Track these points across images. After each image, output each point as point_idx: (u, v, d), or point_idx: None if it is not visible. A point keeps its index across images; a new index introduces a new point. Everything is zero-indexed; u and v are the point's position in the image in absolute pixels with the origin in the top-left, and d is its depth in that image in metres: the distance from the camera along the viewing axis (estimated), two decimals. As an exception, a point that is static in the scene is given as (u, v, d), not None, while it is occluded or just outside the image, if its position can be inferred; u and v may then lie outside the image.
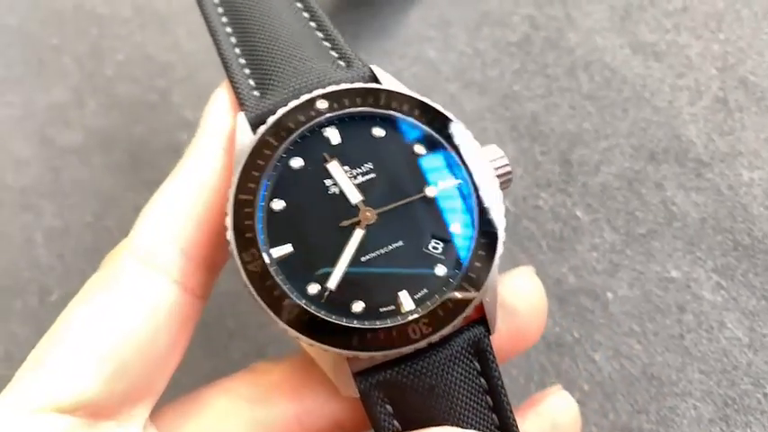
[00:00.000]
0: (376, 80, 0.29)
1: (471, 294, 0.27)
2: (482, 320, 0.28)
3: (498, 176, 0.28)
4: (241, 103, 0.29)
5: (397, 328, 0.26)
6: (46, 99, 0.51)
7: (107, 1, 0.54)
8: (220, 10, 0.33)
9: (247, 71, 0.30)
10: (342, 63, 0.30)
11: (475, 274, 0.27)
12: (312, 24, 0.32)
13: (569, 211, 0.42)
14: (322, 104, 0.28)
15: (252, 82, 0.30)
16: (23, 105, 0.51)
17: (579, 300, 0.40)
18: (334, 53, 0.31)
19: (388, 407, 0.27)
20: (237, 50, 0.31)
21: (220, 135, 0.29)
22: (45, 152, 0.49)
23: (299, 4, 0.33)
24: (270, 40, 0.31)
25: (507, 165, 0.29)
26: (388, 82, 0.29)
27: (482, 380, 0.28)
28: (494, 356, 0.28)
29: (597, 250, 0.41)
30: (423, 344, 0.26)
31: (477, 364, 0.28)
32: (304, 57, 0.30)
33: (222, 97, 0.30)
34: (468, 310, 0.27)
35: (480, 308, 0.28)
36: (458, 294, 0.27)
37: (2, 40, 0.53)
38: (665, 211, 0.41)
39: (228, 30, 0.32)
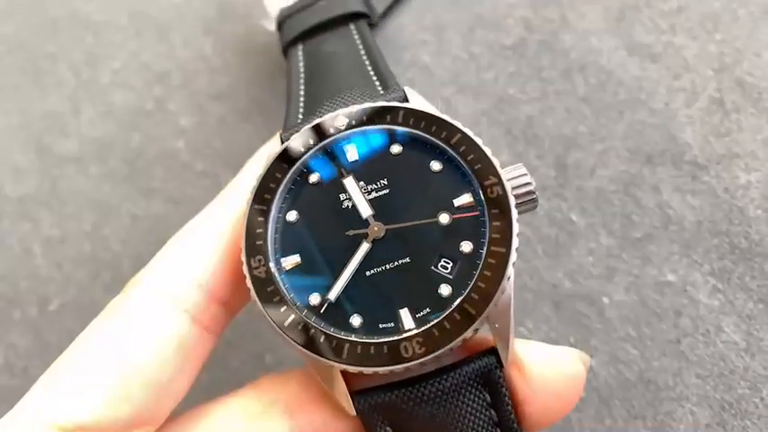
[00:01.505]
0: (406, 101, 0.30)
1: (471, 316, 0.26)
2: (495, 350, 0.27)
3: (516, 196, 0.28)
4: (283, 126, 0.32)
5: (389, 345, 0.26)
6: (42, 107, 0.51)
7: (102, 8, 0.54)
8: (301, 59, 0.38)
9: (302, 103, 0.33)
10: (380, 89, 0.32)
11: (478, 295, 0.26)
12: (363, 56, 0.35)
13: (565, 216, 0.42)
14: (341, 122, 0.29)
15: (300, 114, 0.32)
16: (20, 114, 0.51)
17: (575, 305, 0.40)
18: (376, 80, 0.33)
19: (389, 428, 0.27)
20: (301, 92, 0.34)
21: (255, 181, 0.30)
22: (42, 161, 0.49)
23: (361, 48, 0.37)
24: (327, 79, 0.34)
25: (528, 184, 0.28)
26: (416, 102, 0.30)
27: (492, 412, 0.27)
28: (506, 389, 0.27)
29: (593, 255, 0.41)
30: (415, 364, 0.26)
31: (487, 395, 0.27)
32: (349, 87, 0.32)
33: (268, 146, 0.32)
34: (468, 333, 0.26)
35: (492, 336, 0.27)
36: (457, 316, 0.26)
37: (-2, 49, 0.53)
38: (662, 214, 0.41)
39: (302, 76, 0.36)
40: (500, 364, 0.27)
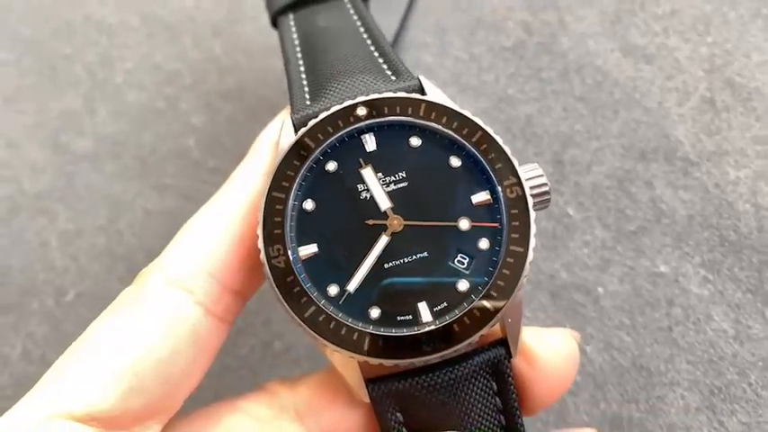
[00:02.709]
0: (422, 91, 0.30)
1: (491, 313, 0.27)
2: (504, 341, 0.28)
3: (533, 196, 0.28)
4: (292, 107, 0.31)
5: (411, 339, 0.27)
6: (58, 106, 0.53)
7: (116, 11, 0.56)
8: (294, 30, 0.36)
9: (305, 83, 0.32)
10: (392, 76, 0.31)
11: (497, 293, 0.27)
12: (368, 42, 0.34)
13: (561, 210, 0.43)
14: (361, 111, 0.29)
15: (307, 94, 0.31)
16: (37, 113, 0.53)
17: (571, 294, 0.41)
18: (385, 66, 0.32)
19: (399, 415, 0.28)
20: (302, 68, 0.33)
21: (263, 166, 0.30)
22: (58, 158, 0.51)
23: (359, 23, 0.35)
24: (329, 56, 0.33)
25: (544, 184, 0.28)
26: (434, 93, 0.30)
27: (497, 399, 0.28)
28: (512, 379, 0.28)
29: (589, 247, 0.42)
30: (435, 357, 0.26)
31: (494, 384, 0.28)
32: (356, 70, 0.32)
33: (271, 132, 0.31)
34: (486, 329, 0.27)
35: (502, 328, 0.28)
36: (476, 312, 0.27)
37: (16, 50, 0.55)
38: (654, 208, 0.43)
39: (298, 48, 0.35)
40: (509, 355, 0.28)
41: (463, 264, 0.28)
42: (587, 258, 0.42)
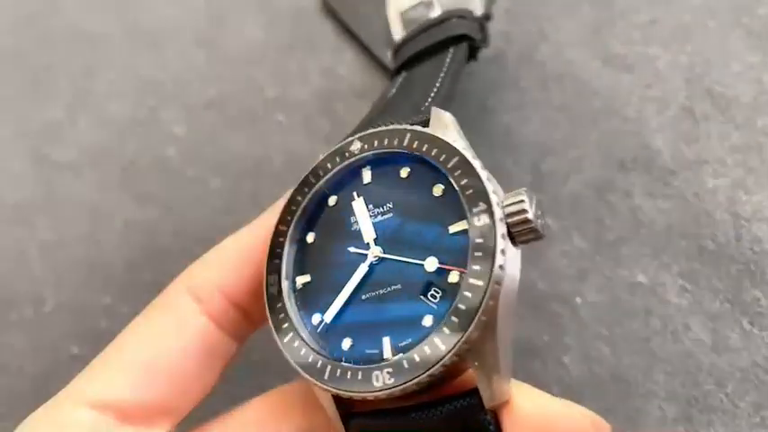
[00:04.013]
0: (428, 122, 0.30)
1: (440, 352, 0.25)
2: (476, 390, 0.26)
3: (509, 224, 0.26)
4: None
5: (363, 372, 0.26)
6: (40, 117, 0.53)
7: (99, 21, 0.56)
8: (401, 78, 0.38)
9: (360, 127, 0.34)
10: (422, 110, 0.32)
11: (450, 330, 0.25)
12: (437, 84, 0.35)
13: (540, 220, 0.43)
14: (355, 146, 0.30)
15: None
16: (18, 123, 0.53)
17: (549, 305, 0.41)
18: (427, 103, 0.32)
19: None
20: (374, 114, 0.35)
21: None
22: (39, 168, 0.51)
23: (443, 70, 0.36)
24: (396, 100, 0.35)
25: (523, 211, 0.25)
26: (436, 125, 0.29)
27: None
28: (494, 429, 0.25)
29: (567, 257, 0.42)
30: (383, 394, 0.25)
31: None
32: (402, 109, 0.33)
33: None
34: (436, 369, 0.25)
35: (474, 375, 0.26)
36: (426, 349, 0.25)
37: (-2, 60, 0.55)
38: (633, 218, 0.43)
39: (387, 95, 0.37)
40: (483, 406, 0.25)
41: (435, 298, 0.27)
42: (565, 268, 0.42)
